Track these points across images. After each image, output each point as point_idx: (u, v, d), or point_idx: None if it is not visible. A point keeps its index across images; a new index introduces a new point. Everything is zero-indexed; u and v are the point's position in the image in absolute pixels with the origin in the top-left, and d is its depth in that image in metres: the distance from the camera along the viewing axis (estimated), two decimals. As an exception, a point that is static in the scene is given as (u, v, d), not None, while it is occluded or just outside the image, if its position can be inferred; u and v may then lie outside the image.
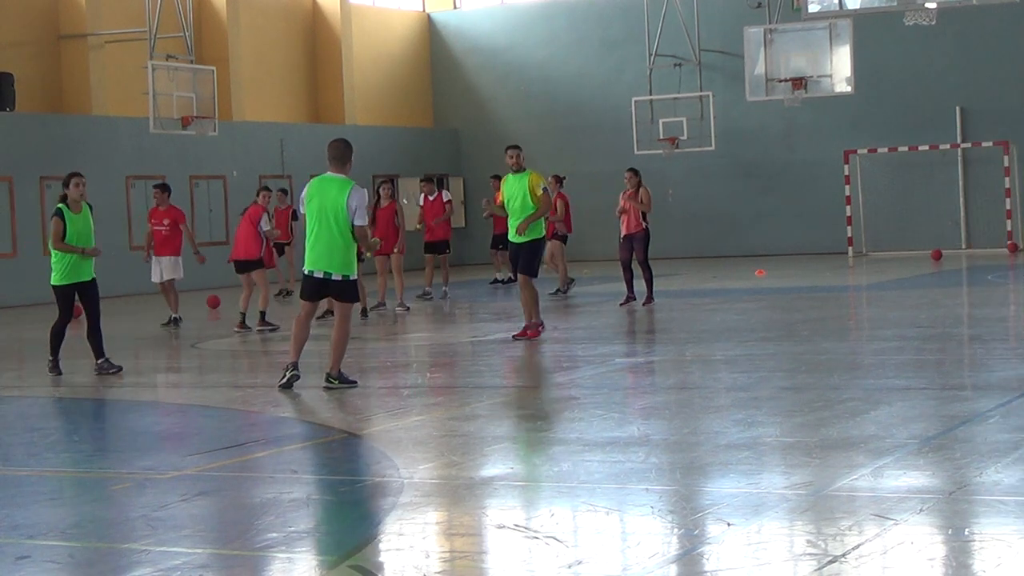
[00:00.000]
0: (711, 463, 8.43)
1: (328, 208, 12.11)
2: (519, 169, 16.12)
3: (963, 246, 33.31)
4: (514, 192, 16.06)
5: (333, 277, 12.20)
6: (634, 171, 20.68)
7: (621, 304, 20.39)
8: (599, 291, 24.12)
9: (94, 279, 14.51)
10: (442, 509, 7.68)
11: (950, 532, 6.50)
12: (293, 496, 7.86)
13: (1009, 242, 32.15)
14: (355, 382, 12.41)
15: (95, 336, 14.50)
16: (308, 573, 6.44)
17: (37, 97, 29.34)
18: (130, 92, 29.51)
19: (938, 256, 31.10)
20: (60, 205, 14.53)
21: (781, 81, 29.68)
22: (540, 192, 15.90)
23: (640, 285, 20.45)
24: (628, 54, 35.96)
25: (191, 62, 29.02)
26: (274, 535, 6.92)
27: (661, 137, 33.20)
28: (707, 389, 11.94)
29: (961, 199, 33.65)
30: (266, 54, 34.11)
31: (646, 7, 34.12)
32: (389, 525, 7.13)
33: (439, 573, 6.28)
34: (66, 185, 14.55)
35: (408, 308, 21.27)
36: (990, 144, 32.71)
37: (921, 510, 6.87)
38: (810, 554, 6.18)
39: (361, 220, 12.14)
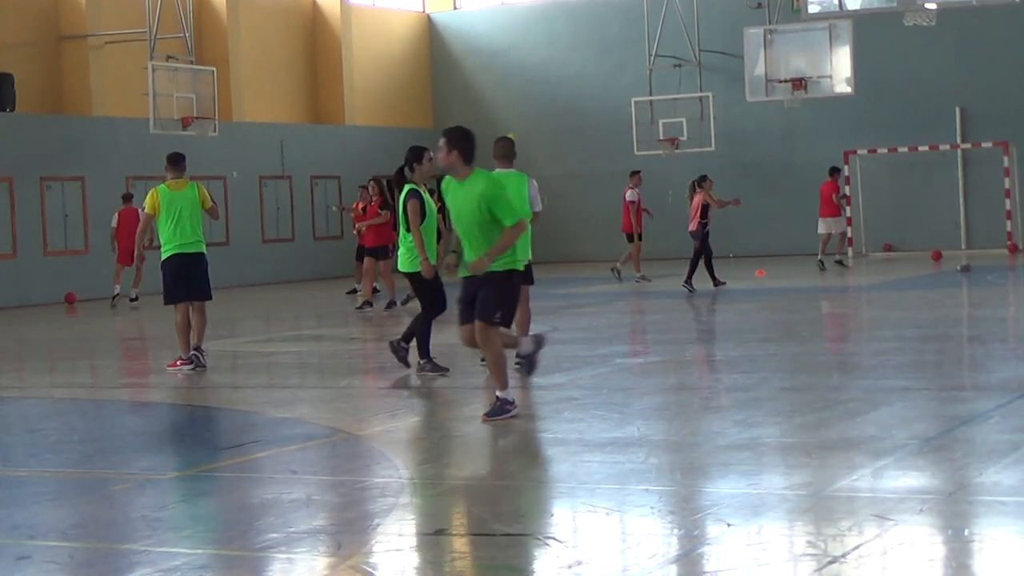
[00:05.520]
0: (711, 464, 8.43)
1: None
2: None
3: (963, 247, 33.30)
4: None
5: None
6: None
7: None
8: (600, 292, 24.11)
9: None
10: (442, 509, 7.68)
11: (950, 533, 6.50)
12: (293, 496, 7.86)
13: (1009, 243, 32.14)
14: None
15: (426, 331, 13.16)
16: (308, 573, 6.44)
17: (37, 98, 29.34)
18: (130, 93, 29.51)
19: (938, 257, 31.08)
20: (412, 185, 12.78)
21: (781, 82, 29.69)
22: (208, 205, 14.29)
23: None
24: (628, 55, 35.95)
25: (191, 63, 29.04)
26: (274, 535, 6.93)
27: (661, 138, 33.19)
28: (707, 390, 11.94)
29: (961, 200, 33.64)
30: (266, 55, 34.10)
31: (646, 8, 34.12)
32: (389, 525, 7.14)
33: (439, 574, 6.29)
34: (417, 160, 12.83)
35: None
36: (990, 145, 32.70)
37: (921, 511, 6.87)
38: (810, 555, 6.18)
39: (537, 207, 12.83)
